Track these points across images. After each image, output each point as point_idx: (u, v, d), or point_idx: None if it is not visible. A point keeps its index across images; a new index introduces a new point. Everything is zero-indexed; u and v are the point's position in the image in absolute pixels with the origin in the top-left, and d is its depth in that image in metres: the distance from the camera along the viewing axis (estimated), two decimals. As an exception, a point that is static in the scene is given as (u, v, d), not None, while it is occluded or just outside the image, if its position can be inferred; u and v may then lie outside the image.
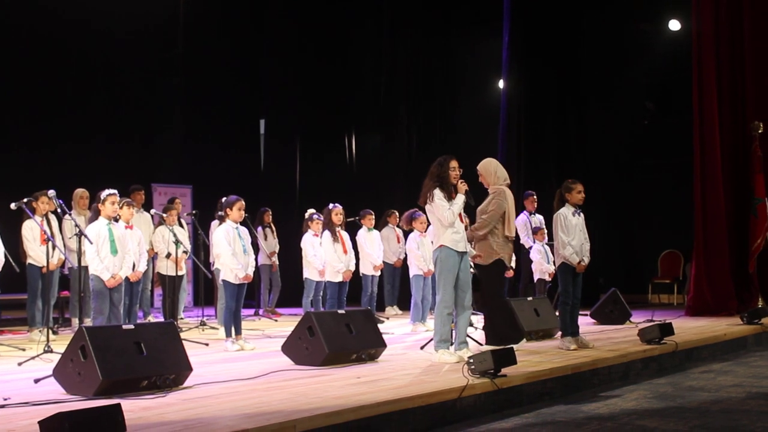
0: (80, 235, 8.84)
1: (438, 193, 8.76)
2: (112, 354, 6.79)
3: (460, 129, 17.96)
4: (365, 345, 8.90)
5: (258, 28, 18.57)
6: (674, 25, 17.18)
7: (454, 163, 8.86)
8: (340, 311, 9.20)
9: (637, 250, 17.78)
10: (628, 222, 17.89)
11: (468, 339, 9.84)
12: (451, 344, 8.90)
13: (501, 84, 17.44)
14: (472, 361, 7.68)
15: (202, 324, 12.42)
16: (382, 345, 9.08)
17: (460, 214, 8.85)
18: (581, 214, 10.09)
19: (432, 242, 9.13)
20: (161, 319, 12.92)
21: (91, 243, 8.78)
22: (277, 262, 15.17)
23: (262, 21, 18.52)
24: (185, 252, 12.32)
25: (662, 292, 17.51)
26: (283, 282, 15.39)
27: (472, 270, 10.37)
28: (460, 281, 8.81)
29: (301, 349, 8.67)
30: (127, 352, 6.93)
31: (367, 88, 18.34)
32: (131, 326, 7.22)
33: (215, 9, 18.11)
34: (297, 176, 18.20)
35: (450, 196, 8.78)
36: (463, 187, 8.85)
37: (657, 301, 17.36)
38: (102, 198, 9.12)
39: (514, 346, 8.98)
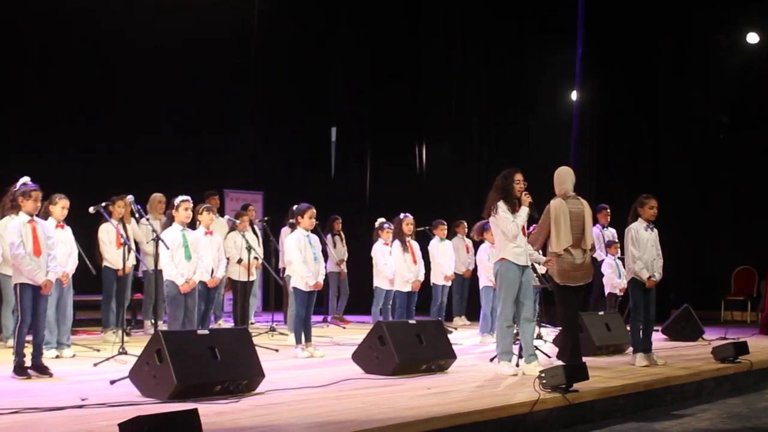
0: (157, 240, 8.96)
1: (502, 206, 8.77)
2: (186, 358, 6.88)
3: (531, 140, 17.85)
4: (435, 356, 8.90)
5: (330, 37, 18.68)
6: (752, 38, 16.88)
7: (519, 176, 8.84)
8: (411, 321, 9.21)
9: (710, 265, 17.48)
10: (701, 237, 17.60)
11: (538, 350, 9.82)
12: (519, 357, 8.86)
13: (574, 95, 17.33)
14: (543, 375, 7.64)
15: (272, 330, 12.52)
16: (452, 356, 9.07)
17: (523, 228, 8.82)
18: (654, 230, 9.97)
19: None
20: (232, 324, 13.07)
21: (168, 248, 8.90)
22: (346, 270, 15.23)
23: (334, 30, 18.63)
24: (256, 258, 12.42)
25: (735, 309, 17.20)
26: (351, 290, 15.43)
27: (538, 284, 10.34)
28: (522, 295, 8.78)
29: (372, 358, 8.70)
30: (202, 356, 7.02)
31: (439, 98, 18.31)
32: (206, 331, 7.32)
33: (288, 17, 18.28)
34: (367, 185, 18.26)
35: (514, 208, 8.77)
36: (527, 199, 8.82)
37: (730, 318, 17.06)
38: (176, 204, 9.25)
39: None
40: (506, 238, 8.79)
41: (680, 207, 17.31)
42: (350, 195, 18.08)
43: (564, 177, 9.62)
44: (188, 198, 9.36)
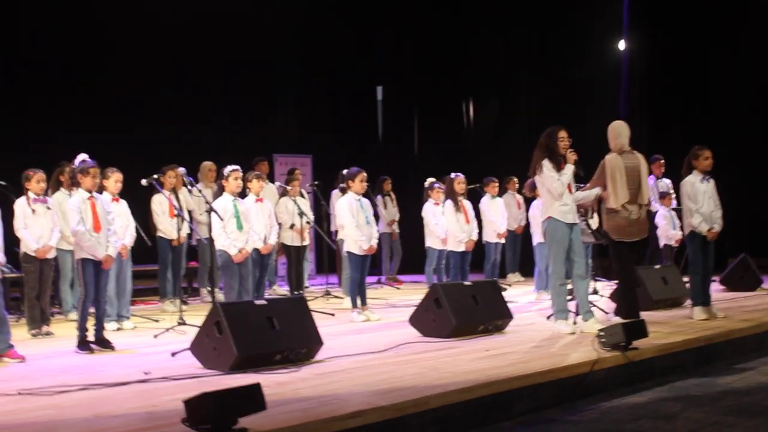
0: (210, 210, 9.01)
1: (547, 164, 8.72)
2: (246, 329, 6.94)
3: (581, 92, 17.53)
4: (492, 316, 8.90)
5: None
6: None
7: (563, 134, 8.76)
8: (466, 282, 9.20)
9: (766, 212, 17.17)
10: (756, 184, 17.28)
11: (594, 307, 9.77)
12: (576, 314, 8.82)
13: (622, 45, 17.06)
14: (602, 333, 7.60)
15: (327, 293, 12.57)
16: (509, 316, 9.06)
17: (569, 185, 8.73)
18: (710, 180, 9.82)
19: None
20: (286, 289, 13.15)
21: (222, 219, 8.94)
22: (398, 230, 15.23)
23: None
24: (308, 222, 12.45)
25: (793, 256, 16.90)
26: (404, 250, 15.44)
27: (592, 239, 10.25)
28: (573, 252, 8.73)
29: (429, 320, 8.71)
30: (261, 327, 7.07)
31: (485, 53, 18.09)
32: (263, 301, 7.36)
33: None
34: (415, 144, 18.20)
35: (559, 167, 8.69)
36: (572, 157, 8.74)
37: (788, 264, 16.77)
38: (225, 174, 9.29)
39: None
40: (552, 197, 8.76)
41: (734, 154, 16.98)
42: (399, 155, 18.03)
43: (619, 131, 9.48)
44: (238, 167, 9.39)
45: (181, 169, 10.28)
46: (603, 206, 9.51)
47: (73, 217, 8.15)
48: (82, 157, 8.64)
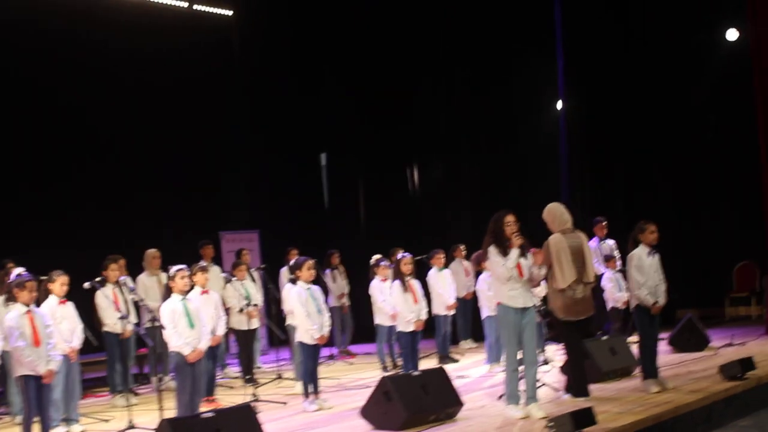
0: (153, 320, 8.92)
1: (492, 250, 8.85)
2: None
3: (522, 154, 17.79)
4: (443, 405, 8.93)
5: (316, 62, 18.49)
6: (731, 34, 16.82)
7: (509, 218, 8.86)
8: (414, 373, 9.21)
9: (711, 263, 17.43)
10: (700, 235, 17.58)
11: (544, 385, 9.85)
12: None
13: (559, 105, 17.33)
14: (552, 424, 7.67)
15: (279, 377, 12.50)
16: (459, 404, 9.09)
17: (519, 268, 8.80)
18: (656, 255, 9.96)
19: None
20: (238, 369, 13.05)
21: (164, 328, 8.85)
22: (348, 303, 15.24)
23: (319, 55, 18.44)
24: (256, 305, 12.41)
25: (739, 305, 17.20)
26: (355, 321, 15.44)
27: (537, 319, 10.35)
28: (524, 337, 8.81)
29: (380, 413, 8.71)
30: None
31: (427, 120, 18.21)
32: (210, 414, 7.31)
33: (271, 47, 18.10)
34: (361, 211, 18.19)
35: (505, 251, 8.78)
36: (517, 241, 8.82)
37: (735, 314, 17.06)
38: (171, 275, 9.22)
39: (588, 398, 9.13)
40: (500, 282, 8.84)
41: (677, 208, 17.34)
42: (345, 225, 17.99)
43: (558, 212, 9.64)
44: (184, 267, 9.30)
45: (123, 278, 10.19)
46: (548, 286, 9.64)
47: (11, 332, 8.05)
48: (18, 270, 8.59)
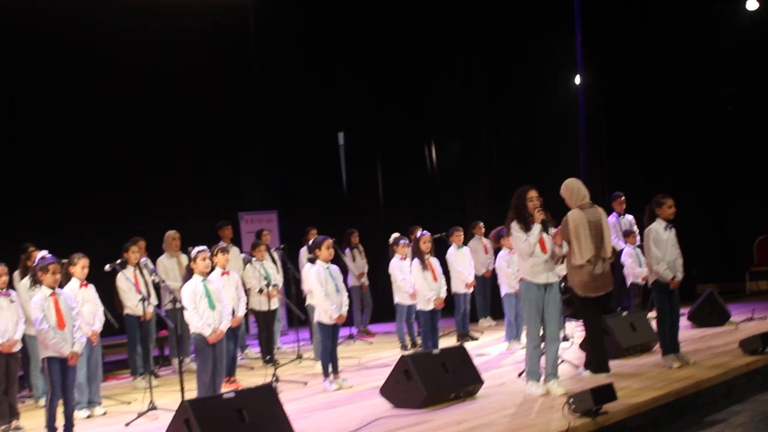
0: (174, 302, 8.95)
1: (515, 225, 8.82)
2: (216, 425, 6.93)
3: (540, 131, 17.74)
4: (463, 383, 8.94)
5: (332, 41, 18.49)
6: (751, 4, 16.64)
7: (532, 194, 8.83)
8: (434, 351, 9.21)
9: (732, 237, 17.36)
10: (720, 209, 17.50)
11: (564, 361, 9.85)
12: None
13: (578, 80, 17.22)
14: (572, 400, 7.64)
15: (299, 357, 12.54)
16: (479, 381, 9.10)
17: (542, 243, 8.78)
18: (673, 229, 9.90)
19: None
20: (258, 350, 13.12)
21: (186, 309, 8.89)
22: (367, 282, 15.24)
23: (335, 34, 18.43)
24: (276, 285, 12.45)
25: (760, 279, 17.10)
26: (374, 301, 15.45)
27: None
28: (546, 313, 8.79)
29: (400, 392, 8.73)
30: (231, 421, 7.07)
31: (444, 97, 18.18)
32: (231, 394, 7.33)
33: (286, 26, 18.07)
34: (380, 191, 18.16)
35: (528, 226, 8.76)
36: (539, 216, 8.79)
37: (756, 288, 16.96)
38: (192, 256, 9.24)
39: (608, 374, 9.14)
40: (522, 258, 8.83)
41: (696, 182, 17.24)
42: (364, 204, 18.00)
43: (576, 186, 9.60)
44: (204, 248, 9.33)
45: (144, 259, 10.23)
46: (567, 262, 9.61)
47: (36, 315, 8.12)
48: (42, 253, 8.64)
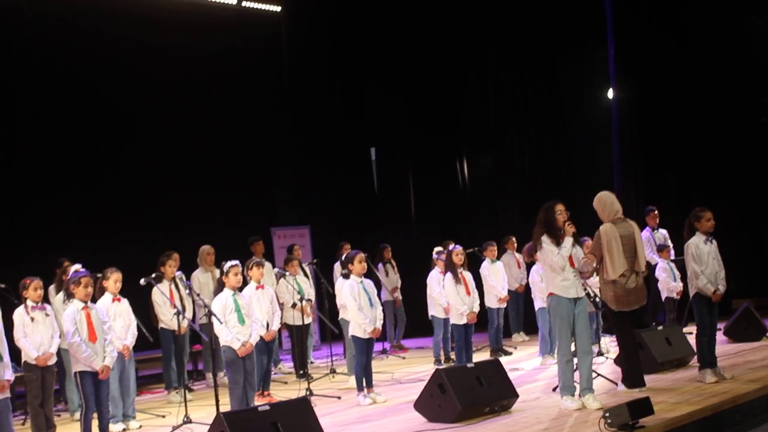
0: (210, 314, 8.98)
1: (546, 239, 8.79)
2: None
3: (572, 144, 17.68)
4: (497, 397, 8.89)
5: (364, 58, 18.58)
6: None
7: (560, 207, 8.81)
8: (469, 365, 9.18)
9: (767, 251, 17.18)
10: (757, 223, 17.33)
11: (599, 376, 9.77)
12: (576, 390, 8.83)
13: (610, 94, 17.15)
14: (608, 414, 7.57)
15: (332, 372, 12.53)
16: (514, 395, 9.05)
17: (571, 259, 8.75)
18: (713, 242, 9.81)
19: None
20: (291, 365, 13.13)
21: (221, 323, 8.93)
22: (400, 297, 15.21)
23: (367, 50, 18.51)
24: (309, 300, 12.47)
25: (798, 294, 16.89)
26: (407, 316, 15.41)
27: (592, 309, 10.24)
28: (577, 327, 8.75)
29: (434, 406, 8.70)
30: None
31: (476, 110, 18.15)
32: (267, 407, 7.34)
33: (319, 42, 18.20)
34: (412, 206, 18.19)
35: (558, 240, 8.73)
36: (570, 230, 8.77)
37: (794, 303, 16.74)
38: (225, 270, 9.29)
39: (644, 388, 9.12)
40: (553, 272, 8.79)
41: (731, 195, 17.07)
42: (396, 220, 18.01)
43: (609, 200, 9.55)
44: (237, 262, 9.39)
45: (179, 273, 10.29)
46: (600, 276, 9.55)
47: (68, 328, 8.17)
48: (76, 267, 8.72)
